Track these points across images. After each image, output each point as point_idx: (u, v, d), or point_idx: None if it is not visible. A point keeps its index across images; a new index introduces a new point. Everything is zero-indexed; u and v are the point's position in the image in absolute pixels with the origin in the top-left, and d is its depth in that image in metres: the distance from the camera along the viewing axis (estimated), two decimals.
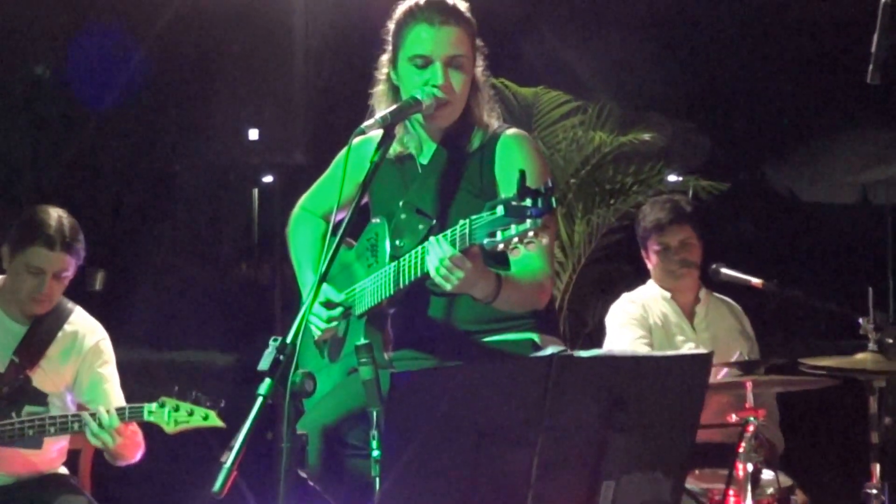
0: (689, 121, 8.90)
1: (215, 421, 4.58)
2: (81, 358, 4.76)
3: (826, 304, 5.26)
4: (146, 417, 4.51)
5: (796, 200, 11.97)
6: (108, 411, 4.47)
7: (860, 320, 4.67)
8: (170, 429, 4.54)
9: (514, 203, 2.96)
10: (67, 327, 4.76)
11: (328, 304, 3.75)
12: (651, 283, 5.55)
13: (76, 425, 4.51)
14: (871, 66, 3.47)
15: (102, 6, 8.10)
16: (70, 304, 4.84)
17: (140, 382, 4.96)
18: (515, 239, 2.97)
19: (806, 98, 10.17)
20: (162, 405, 4.52)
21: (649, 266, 5.53)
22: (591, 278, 7.42)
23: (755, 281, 5.26)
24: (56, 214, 4.67)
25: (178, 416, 4.53)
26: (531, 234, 2.95)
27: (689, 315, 5.48)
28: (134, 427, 4.61)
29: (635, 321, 5.40)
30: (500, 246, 3.00)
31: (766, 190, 11.83)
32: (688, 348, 5.33)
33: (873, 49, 3.46)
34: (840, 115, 10.43)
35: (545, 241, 3.02)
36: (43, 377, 4.69)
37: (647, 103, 8.20)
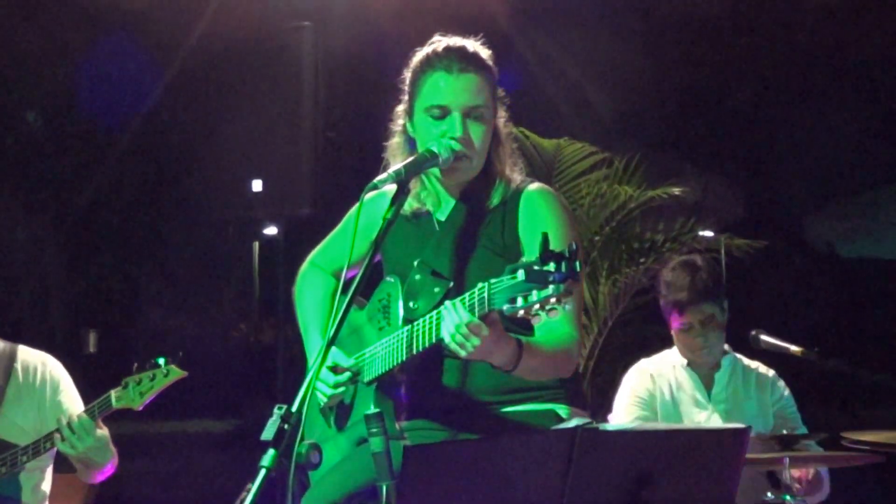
0: (722, 174, 8.92)
1: (177, 373, 4.69)
2: (39, 393, 4.85)
3: (871, 376, 5.25)
4: (115, 405, 4.62)
5: (837, 257, 11.94)
6: (76, 416, 4.57)
7: None
8: (137, 404, 4.65)
9: (535, 267, 2.95)
10: (17, 365, 4.86)
11: (335, 369, 3.74)
12: (675, 348, 5.55)
13: (48, 444, 4.61)
14: None
15: (101, 55, 8.20)
16: (10, 344, 4.94)
17: (134, 457, 4.98)
18: (537, 306, 2.96)
19: (847, 149, 10.19)
20: (125, 386, 4.62)
21: (673, 335, 5.52)
22: (619, 342, 7.40)
23: (794, 349, 5.24)
24: None
25: (141, 388, 4.64)
26: (553, 300, 2.94)
27: (708, 384, 5.45)
28: (103, 431, 4.68)
29: (640, 399, 5.39)
30: (521, 313, 3.00)
31: (804, 246, 11.81)
32: (695, 423, 5.31)
33: None
34: (883, 166, 10.45)
35: (569, 306, 3.01)
36: (7, 425, 4.77)
37: (677, 155, 8.23)
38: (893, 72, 9.54)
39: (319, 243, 4.15)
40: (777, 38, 9.74)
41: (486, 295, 3.13)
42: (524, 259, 3.03)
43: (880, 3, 8.91)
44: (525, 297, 2.98)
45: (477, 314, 3.17)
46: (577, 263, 2.94)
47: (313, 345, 3.97)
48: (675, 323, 5.39)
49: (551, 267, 2.93)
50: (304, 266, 4.16)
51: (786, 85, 10.07)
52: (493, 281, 3.11)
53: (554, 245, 2.98)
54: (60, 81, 8.73)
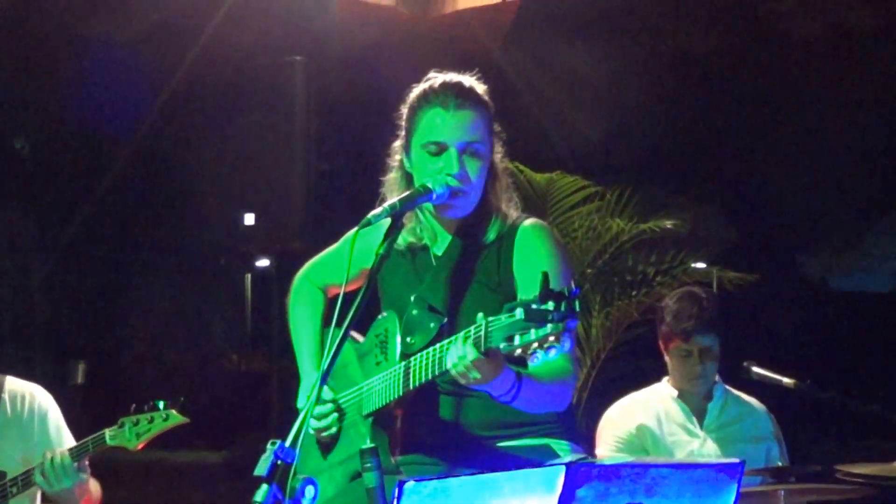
0: (713, 206, 8.96)
1: (177, 418, 4.68)
2: (27, 424, 4.86)
3: (863, 407, 5.27)
4: (109, 443, 4.63)
5: (829, 290, 11.96)
6: (59, 453, 4.57)
7: None
8: (133, 445, 4.65)
9: (534, 306, 2.97)
10: (4, 396, 4.87)
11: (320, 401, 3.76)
12: (665, 381, 5.58)
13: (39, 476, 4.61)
14: None
15: (90, 85, 8.22)
16: None
17: (123, 487, 4.97)
18: (535, 345, 2.98)
19: (838, 182, 10.23)
20: (121, 426, 4.61)
21: (666, 360, 5.55)
22: (611, 376, 7.41)
23: (787, 381, 5.27)
24: None
25: (138, 429, 4.63)
26: (552, 339, 2.96)
27: (699, 413, 5.48)
28: (85, 474, 4.74)
29: (619, 440, 5.43)
30: (518, 351, 3.01)
31: (796, 279, 11.83)
32: (688, 452, 5.34)
33: None
34: (875, 199, 10.48)
35: (567, 345, 3.02)
36: None
37: (669, 188, 8.26)
38: (883, 105, 9.59)
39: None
40: (768, 70, 9.79)
41: (483, 332, 3.14)
42: (523, 297, 3.04)
43: (868, 40, 8.98)
44: (522, 336, 3.00)
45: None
46: (576, 304, 2.95)
47: (305, 371, 4.01)
48: (674, 348, 5.44)
49: (550, 306, 2.95)
50: (299, 278, 4.17)
51: (777, 117, 10.12)
52: (491, 318, 3.13)
53: (551, 283, 3.00)
54: (50, 109, 8.73)
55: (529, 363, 3.05)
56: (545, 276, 2.99)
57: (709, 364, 5.42)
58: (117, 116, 8.44)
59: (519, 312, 3.00)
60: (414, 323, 3.67)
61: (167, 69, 8.20)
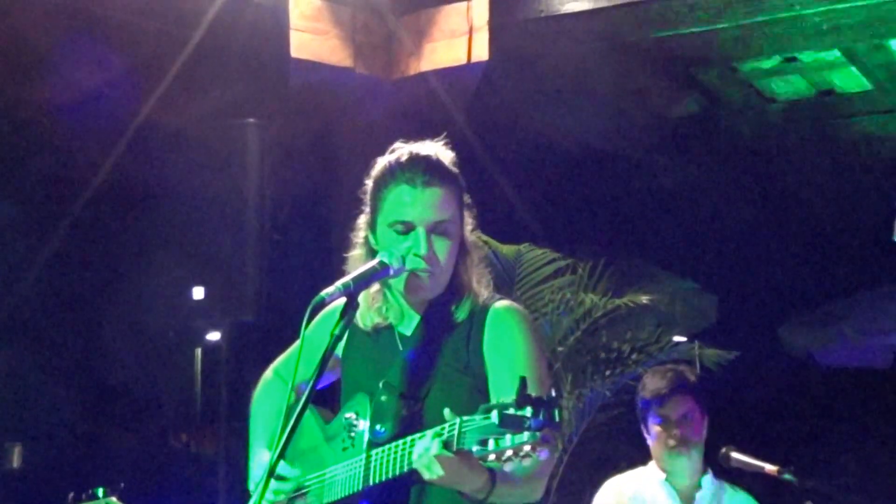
0: (692, 279, 8.97)
1: None
2: None
3: (849, 498, 5.27)
4: None
5: (815, 366, 11.95)
6: None
7: None
8: None
9: (510, 411, 2.92)
10: None
11: (277, 477, 3.71)
12: (651, 464, 5.57)
13: None
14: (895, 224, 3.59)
15: (33, 150, 8.19)
16: None
17: None
18: (509, 451, 2.93)
19: (825, 253, 10.27)
20: None
21: (648, 442, 5.57)
22: (584, 460, 7.37)
23: (769, 467, 5.28)
24: None
25: None
26: (527, 448, 2.90)
27: (688, 501, 5.49)
28: None
29: None
30: (492, 457, 2.96)
31: (780, 355, 11.84)
32: None
33: None
34: (864, 271, 10.52)
35: (543, 455, 2.96)
36: None
37: (644, 260, 8.27)
38: (869, 174, 9.68)
39: (265, 348, 4.16)
40: (748, 137, 9.85)
41: (455, 433, 3.11)
42: (500, 399, 2.99)
43: (856, 104, 9.06)
44: (497, 441, 2.95)
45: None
46: (556, 412, 2.90)
47: (255, 454, 3.98)
48: (653, 418, 5.45)
49: (528, 412, 2.90)
50: (267, 374, 4.16)
51: (759, 186, 10.18)
52: (465, 419, 3.08)
53: (522, 370, 2.97)
54: None
55: (503, 467, 2.99)
56: (523, 380, 2.94)
57: (689, 436, 5.41)
58: (61, 184, 8.40)
59: (494, 416, 2.94)
60: (383, 410, 3.62)
61: (114, 134, 8.17)
